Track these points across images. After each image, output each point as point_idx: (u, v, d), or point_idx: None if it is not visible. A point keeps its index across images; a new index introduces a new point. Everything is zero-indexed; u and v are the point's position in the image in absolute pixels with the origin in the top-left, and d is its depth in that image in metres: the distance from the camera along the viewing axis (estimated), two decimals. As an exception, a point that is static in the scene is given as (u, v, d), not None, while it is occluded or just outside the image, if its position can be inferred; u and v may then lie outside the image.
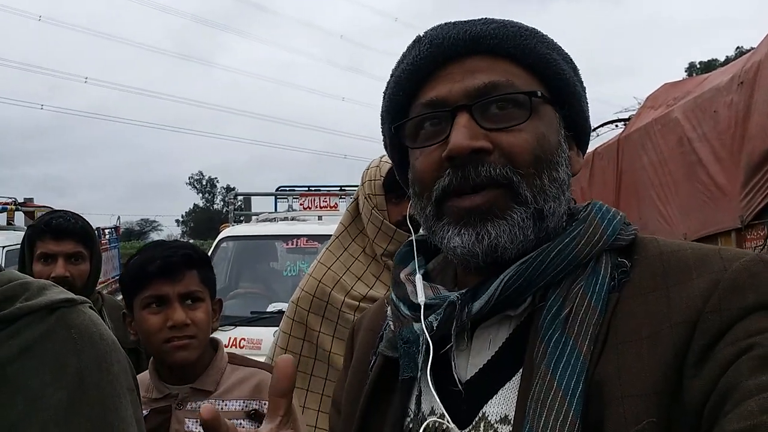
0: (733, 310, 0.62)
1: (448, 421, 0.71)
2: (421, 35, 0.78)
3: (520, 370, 0.69)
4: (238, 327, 4.31)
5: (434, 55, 0.75)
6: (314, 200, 7.18)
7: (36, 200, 11.71)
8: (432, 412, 0.74)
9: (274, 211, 7.33)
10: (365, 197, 1.94)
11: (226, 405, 1.55)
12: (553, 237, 0.74)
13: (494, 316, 0.74)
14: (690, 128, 5.73)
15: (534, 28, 0.78)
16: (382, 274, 1.94)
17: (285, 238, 5.47)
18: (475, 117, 0.72)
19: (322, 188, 7.70)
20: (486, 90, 0.73)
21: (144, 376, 1.60)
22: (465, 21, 0.77)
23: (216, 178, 65.47)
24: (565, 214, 0.78)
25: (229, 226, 6.48)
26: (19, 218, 8.60)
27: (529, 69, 0.76)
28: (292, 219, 6.51)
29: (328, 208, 7.01)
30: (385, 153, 2.15)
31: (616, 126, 10.07)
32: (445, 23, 0.78)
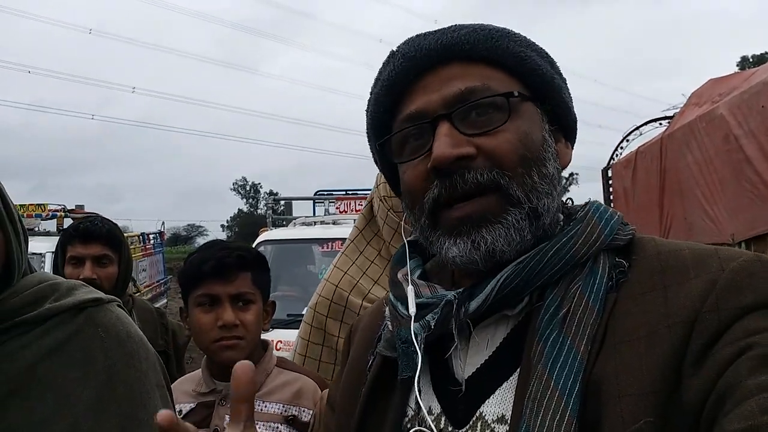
0: (731, 310, 0.61)
1: (445, 421, 0.72)
2: (395, 50, 0.79)
3: (518, 370, 0.69)
4: (275, 329, 4.37)
5: (408, 68, 0.76)
6: (350, 204, 7.24)
7: (87, 207, 12.15)
8: (430, 412, 0.74)
9: (312, 215, 7.42)
10: (381, 199, 1.90)
11: (266, 406, 1.56)
12: (550, 236, 0.74)
13: (492, 316, 0.74)
14: (736, 125, 5.53)
15: (505, 29, 0.78)
16: None
17: (321, 241, 5.53)
18: (455, 124, 0.73)
19: (359, 192, 7.76)
20: (463, 96, 0.73)
21: (198, 371, 1.67)
22: (435, 31, 0.78)
23: (259, 183, 66.65)
24: (559, 210, 0.77)
25: (267, 230, 6.58)
26: (68, 225, 8.93)
27: (505, 69, 0.76)
28: (333, 223, 6.56)
29: (365, 212, 7.02)
30: None
31: (660, 124, 9.79)
32: (417, 35, 0.79)
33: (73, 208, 11.16)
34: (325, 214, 7.19)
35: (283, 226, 7.52)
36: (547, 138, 0.77)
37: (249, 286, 1.60)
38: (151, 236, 13.11)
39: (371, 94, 0.82)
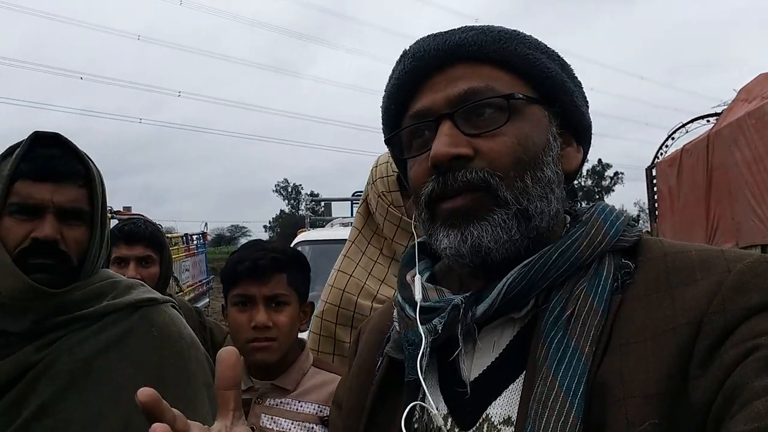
0: (738, 311, 0.61)
1: (452, 422, 0.72)
2: (406, 49, 0.81)
3: (524, 372, 0.69)
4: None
5: (418, 67, 0.78)
6: (387, 204, 7.21)
7: (134, 209, 12.53)
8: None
9: (350, 215, 7.46)
10: (379, 196, 1.83)
11: (301, 406, 1.58)
12: (554, 238, 0.74)
13: (498, 319, 0.74)
14: (787, 121, 5.32)
15: (515, 31, 0.79)
16: None
17: (357, 242, 5.53)
18: (457, 124, 0.74)
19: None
20: (466, 96, 0.74)
21: None
22: (445, 32, 0.79)
23: (300, 184, 67.53)
24: (561, 212, 0.77)
25: (305, 231, 6.65)
26: (113, 226, 9.22)
27: (513, 71, 0.77)
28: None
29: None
30: None
31: (707, 121, 9.51)
32: (428, 35, 0.80)
33: (120, 209, 11.51)
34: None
35: (321, 226, 7.59)
36: (551, 141, 0.77)
37: (284, 288, 1.60)
38: (194, 237, 13.42)
39: (384, 91, 0.84)
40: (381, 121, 0.86)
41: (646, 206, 10.13)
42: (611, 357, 0.64)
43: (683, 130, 10.42)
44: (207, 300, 13.36)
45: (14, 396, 1.12)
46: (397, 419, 0.77)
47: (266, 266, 1.58)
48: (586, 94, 0.83)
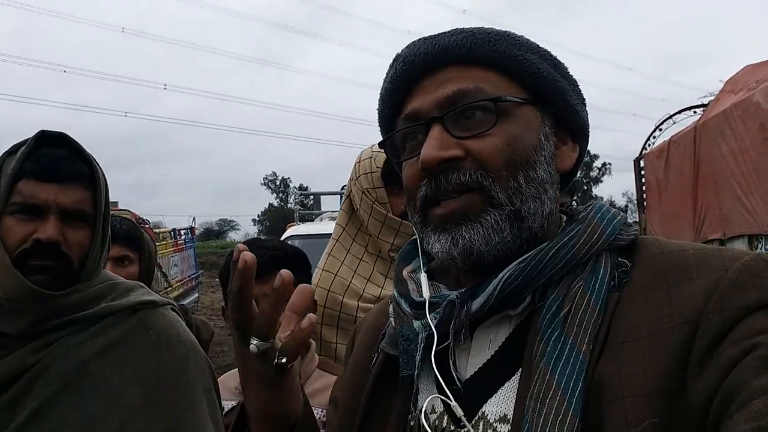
0: (735, 310, 0.61)
1: (447, 420, 0.72)
2: (399, 53, 0.82)
3: (520, 370, 0.70)
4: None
5: (409, 71, 0.79)
6: (377, 198, 7.21)
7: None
8: (433, 410, 0.75)
9: (339, 209, 7.45)
10: (363, 192, 1.81)
11: None
12: (550, 237, 0.74)
13: (494, 316, 0.74)
14: (773, 112, 5.36)
15: (506, 32, 0.79)
16: (390, 271, 1.80)
17: (347, 235, 5.52)
18: (447, 127, 0.74)
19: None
20: (455, 99, 0.75)
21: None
22: (436, 35, 0.80)
23: (289, 178, 67.21)
24: (555, 212, 0.78)
25: (295, 225, 6.64)
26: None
27: (503, 72, 0.77)
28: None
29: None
30: (375, 143, 2.08)
31: (694, 112, 9.57)
32: (419, 39, 0.81)
33: (107, 204, 11.36)
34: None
35: (310, 220, 7.57)
36: (543, 141, 0.77)
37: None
38: (182, 232, 13.33)
39: (379, 94, 0.85)
40: (378, 123, 0.87)
41: (634, 197, 10.20)
42: (608, 355, 0.64)
43: (671, 121, 10.49)
44: (196, 295, 13.30)
45: (9, 398, 1.10)
46: (392, 416, 0.77)
47: (266, 264, 1.52)
48: (582, 92, 0.83)
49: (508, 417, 0.68)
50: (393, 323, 0.81)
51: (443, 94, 0.75)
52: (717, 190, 6.71)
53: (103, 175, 1.24)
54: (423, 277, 0.80)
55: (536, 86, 0.78)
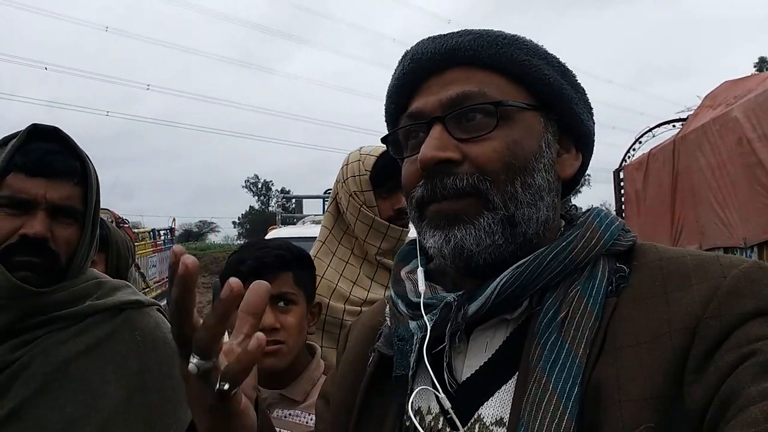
0: (733, 316, 0.61)
1: (443, 422, 0.72)
2: (407, 50, 0.82)
3: (517, 373, 0.70)
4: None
5: (415, 70, 0.79)
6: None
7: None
8: (428, 412, 0.75)
9: (321, 213, 7.43)
10: (351, 195, 1.78)
11: (311, 419, 1.46)
12: (547, 243, 0.74)
13: (492, 319, 0.74)
14: (750, 128, 5.47)
15: (514, 36, 0.79)
16: (377, 274, 1.81)
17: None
18: (448, 128, 0.74)
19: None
20: (458, 101, 0.75)
21: None
22: (445, 35, 0.80)
23: (271, 181, 66.84)
24: (553, 219, 0.78)
25: (276, 228, 6.60)
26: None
27: (509, 76, 0.77)
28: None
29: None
30: (363, 145, 2.05)
31: (673, 126, 9.71)
32: (428, 38, 0.81)
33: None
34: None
35: (292, 223, 7.53)
36: (544, 148, 0.77)
37: (290, 286, 1.49)
38: (161, 232, 13.19)
39: (387, 90, 0.85)
40: (384, 118, 0.87)
41: (612, 208, 10.31)
42: (605, 360, 0.64)
43: (650, 134, 10.62)
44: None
45: None
46: (387, 416, 0.77)
47: (271, 264, 1.47)
48: (590, 101, 0.83)
49: (504, 420, 0.68)
50: (389, 323, 0.81)
51: (447, 95, 0.75)
52: (695, 203, 6.81)
53: (95, 172, 1.21)
54: (420, 274, 0.80)
55: (542, 92, 0.77)
